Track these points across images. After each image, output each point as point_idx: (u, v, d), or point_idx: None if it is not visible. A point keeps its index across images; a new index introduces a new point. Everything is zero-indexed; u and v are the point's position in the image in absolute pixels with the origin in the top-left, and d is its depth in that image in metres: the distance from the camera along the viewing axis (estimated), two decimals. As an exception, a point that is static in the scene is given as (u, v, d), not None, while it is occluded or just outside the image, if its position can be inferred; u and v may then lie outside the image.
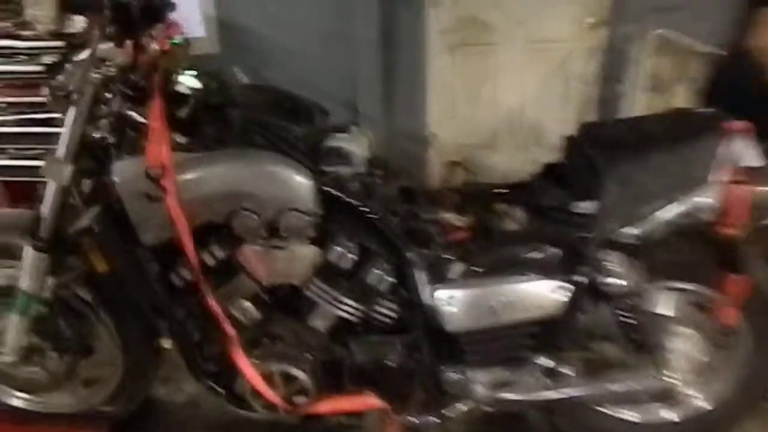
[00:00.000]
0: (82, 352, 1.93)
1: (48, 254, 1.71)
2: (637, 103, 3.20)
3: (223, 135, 1.59)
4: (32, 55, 3.01)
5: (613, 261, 1.60)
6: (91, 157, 1.67)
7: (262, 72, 3.37)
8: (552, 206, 1.63)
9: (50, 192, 1.66)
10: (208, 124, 1.59)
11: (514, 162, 3.48)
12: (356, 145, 1.68)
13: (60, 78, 1.57)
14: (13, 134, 2.99)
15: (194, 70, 1.69)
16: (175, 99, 1.60)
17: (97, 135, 1.64)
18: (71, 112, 1.58)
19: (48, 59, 2.57)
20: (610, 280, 1.60)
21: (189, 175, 1.56)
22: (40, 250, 1.70)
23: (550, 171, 1.77)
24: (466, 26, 3.33)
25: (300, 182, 1.58)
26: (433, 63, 3.38)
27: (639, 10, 3.12)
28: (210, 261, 1.67)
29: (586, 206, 1.58)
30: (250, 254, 1.67)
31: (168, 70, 1.61)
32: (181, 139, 1.59)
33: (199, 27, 3.42)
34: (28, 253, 1.71)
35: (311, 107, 1.74)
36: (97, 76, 1.54)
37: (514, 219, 1.70)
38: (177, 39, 1.64)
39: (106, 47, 1.52)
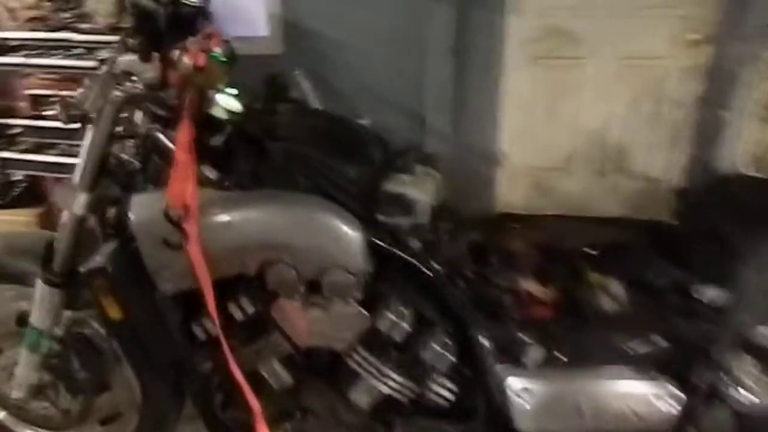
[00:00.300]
0: (96, 392, 1.67)
1: (61, 289, 1.45)
2: (743, 134, 2.72)
3: (262, 171, 1.28)
4: (90, 49, 2.81)
5: (746, 368, 1.20)
6: (117, 182, 1.40)
7: (326, 76, 3.09)
8: (664, 286, 1.24)
9: (65, 222, 1.39)
10: (244, 156, 1.29)
11: (592, 189, 3.07)
12: (421, 191, 1.33)
13: (78, 93, 1.29)
14: (66, 130, 2.78)
15: (235, 88, 1.38)
16: (209, 124, 1.30)
17: (123, 157, 1.37)
18: (88, 134, 1.30)
19: (105, 54, 2.36)
20: (740, 392, 1.20)
21: (217, 219, 1.26)
22: (52, 284, 1.45)
23: (655, 233, 1.38)
24: (549, 37, 2.93)
25: (348, 235, 1.25)
26: (511, 75, 3.00)
27: (754, 27, 2.64)
28: (238, 315, 1.37)
29: (712, 294, 1.19)
30: (286, 311, 1.36)
31: (203, 89, 1.30)
32: (211, 173, 1.29)
33: (262, 26, 3.16)
34: (39, 286, 1.46)
35: (370, 140, 1.40)
36: (119, 94, 1.25)
37: (610, 294, 1.33)
38: (217, 52, 1.33)
39: (131, 60, 1.23)
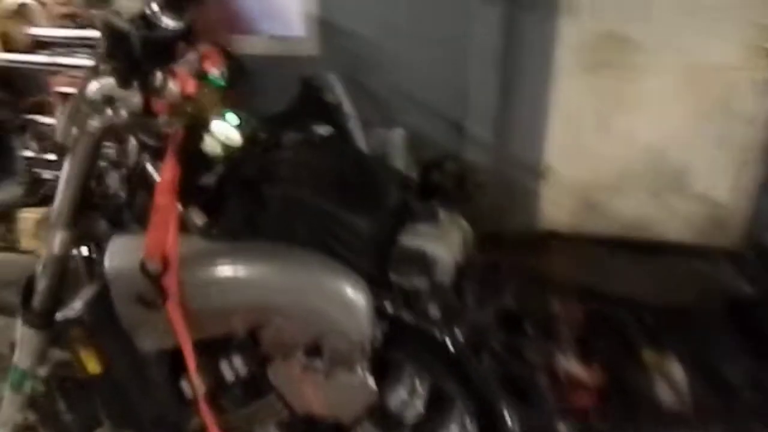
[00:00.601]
0: (85, 432, 1.51)
1: (41, 330, 1.29)
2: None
3: (256, 218, 1.08)
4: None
5: None
6: (105, 217, 1.22)
7: (362, 79, 2.88)
8: (737, 377, 0.98)
9: (44, 261, 1.22)
10: (237, 200, 1.08)
11: (647, 211, 2.77)
12: (443, 246, 1.10)
13: (60, 122, 1.11)
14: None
15: (237, 115, 1.17)
16: (200, 159, 1.10)
17: (111, 189, 1.19)
18: (65, 167, 1.12)
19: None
20: None
21: (200, 274, 1.06)
22: (32, 325, 1.28)
23: (734, 304, 1.11)
24: (605, 43, 2.64)
25: (351, 298, 1.03)
26: (560, 83, 2.73)
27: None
28: (230, 376, 1.18)
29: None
30: (283, 373, 1.16)
31: (196, 118, 1.10)
32: (198, 217, 1.09)
33: (298, 25, 2.97)
34: (19, 325, 1.30)
35: (387, 181, 1.18)
36: (96, 124, 1.06)
37: (668, 380, 1.07)
38: (213, 75, 1.13)
39: (108, 85, 1.04)
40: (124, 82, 1.01)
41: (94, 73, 1.02)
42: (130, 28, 0.95)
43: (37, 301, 1.26)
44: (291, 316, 1.05)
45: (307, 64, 2.96)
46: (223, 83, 1.15)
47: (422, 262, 1.09)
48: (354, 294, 1.04)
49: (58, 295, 1.26)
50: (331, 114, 2.72)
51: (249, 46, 3.02)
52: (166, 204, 1.03)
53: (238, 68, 1.21)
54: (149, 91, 1.03)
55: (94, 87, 1.03)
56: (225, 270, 1.05)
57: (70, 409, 1.45)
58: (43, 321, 1.27)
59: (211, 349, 1.15)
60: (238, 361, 1.16)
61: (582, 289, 1.98)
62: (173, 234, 1.03)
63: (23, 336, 1.30)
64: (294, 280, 1.04)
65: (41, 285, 1.24)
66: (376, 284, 1.06)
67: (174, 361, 1.21)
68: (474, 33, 2.71)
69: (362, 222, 1.06)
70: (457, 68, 2.80)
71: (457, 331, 1.09)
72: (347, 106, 2.70)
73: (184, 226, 1.06)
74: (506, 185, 2.90)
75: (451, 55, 2.75)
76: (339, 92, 2.71)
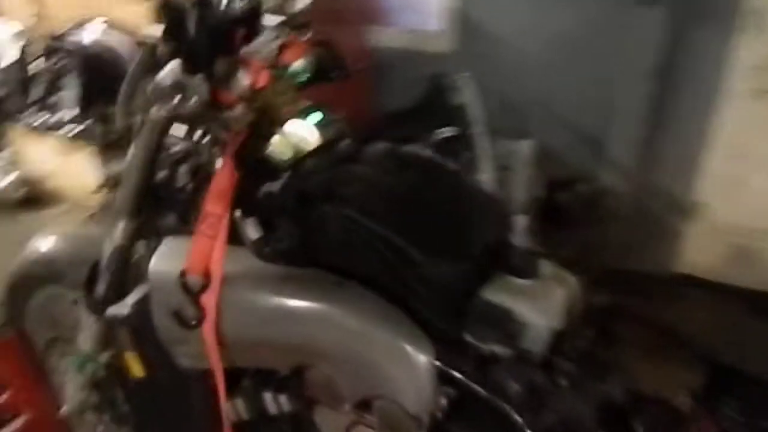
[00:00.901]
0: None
1: (101, 318, 1.22)
2: None
3: (314, 240, 0.90)
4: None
5: None
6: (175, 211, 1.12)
7: (495, 82, 2.63)
8: None
9: (107, 250, 1.14)
10: (295, 215, 0.91)
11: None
12: (539, 307, 0.86)
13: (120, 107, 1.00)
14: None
15: (320, 112, 1.00)
16: (265, 164, 0.94)
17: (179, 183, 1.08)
18: (129, 155, 1.02)
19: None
20: None
21: (244, 298, 0.90)
22: (93, 311, 1.21)
23: None
24: (789, 66, 2.17)
25: (414, 358, 0.83)
26: (726, 110, 2.30)
27: None
28: (273, 410, 1.02)
29: None
30: (330, 421, 0.99)
31: (266, 116, 0.94)
32: (254, 230, 0.93)
33: (435, 19, 2.77)
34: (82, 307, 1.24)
35: (485, 218, 0.95)
36: (160, 111, 0.94)
37: None
38: (296, 67, 0.96)
39: (171, 71, 0.90)
40: (188, 68, 0.88)
41: (150, 54, 0.89)
42: (189, 6, 0.80)
43: (98, 288, 1.19)
44: (338, 365, 0.87)
45: (439, 61, 2.76)
46: (306, 78, 0.99)
47: (507, 325, 0.85)
48: (416, 352, 0.83)
49: (120, 286, 1.17)
50: (455, 116, 2.52)
51: (381, 38, 2.87)
52: (216, 213, 0.89)
53: (334, 61, 1.03)
54: (214, 80, 0.88)
55: (164, 71, 0.90)
56: (270, 299, 0.89)
57: (127, 399, 1.39)
58: (103, 309, 1.20)
59: (254, 378, 1.00)
60: (283, 397, 1.01)
61: (710, 354, 1.63)
62: (220, 247, 0.88)
63: (85, 320, 1.25)
64: (345, 324, 0.85)
65: (104, 273, 1.17)
66: (446, 343, 0.85)
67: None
68: (630, 45, 2.36)
69: (439, 266, 0.85)
70: (605, 81, 2.46)
71: (540, 419, 0.85)
72: (474, 110, 2.46)
73: (234, 239, 0.91)
74: (643, 218, 2.52)
75: (600, 67, 2.42)
76: (468, 94, 2.49)
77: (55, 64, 2.95)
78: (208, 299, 0.88)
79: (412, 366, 0.83)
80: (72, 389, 1.40)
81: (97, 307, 1.19)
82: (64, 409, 1.43)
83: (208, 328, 0.89)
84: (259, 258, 0.91)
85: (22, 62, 3.12)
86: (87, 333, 1.26)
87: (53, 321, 1.50)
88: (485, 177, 2.32)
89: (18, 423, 1.58)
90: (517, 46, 2.61)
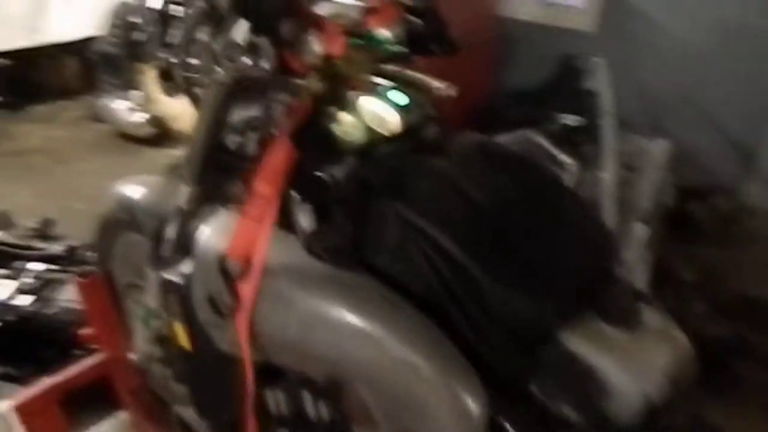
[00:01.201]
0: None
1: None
2: None
3: (368, 239, 0.76)
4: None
5: None
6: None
7: (634, 70, 2.35)
8: None
9: (173, 210, 1.08)
10: (352, 208, 0.77)
11: None
12: (629, 367, 0.67)
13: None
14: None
15: (406, 95, 0.84)
16: (329, 143, 0.81)
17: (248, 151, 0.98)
18: (196, 118, 0.93)
19: None
20: None
21: (284, 293, 0.79)
22: (155, 269, 1.17)
23: None
24: None
25: (462, 403, 0.68)
26: None
27: None
28: (312, 416, 0.92)
29: None
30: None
31: (336, 88, 0.81)
32: (307, 221, 0.80)
33: (580, -5, 2.49)
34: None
35: (582, 246, 0.76)
36: (225, 74, 0.83)
37: None
38: (381, 36, 0.81)
39: (239, 32, 0.79)
40: (253, 29, 0.76)
41: (206, 14, 0.78)
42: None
43: (164, 247, 1.13)
44: (375, 390, 0.73)
45: (577, 41, 2.49)
46: (393, 48, 0.83)
47: (587, 384, 0.67)
48: (467, 397, 0.68)
49: (182, 250, 1.11)
50: (584, 103, 2.28)
51: (516, 9, 2.63)
52: (266, 194, 0.78)
53: (435, 33, 0.87)
54: (281, 43, 0.76)
55: (232, 32, 0.79)
56: (311, 300, 0.76)
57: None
58: (164, 270, 1.15)
59: (298, 375, 0.90)
60: (322, 405, 0.89)
61: None
62: (265, 233, 0.77)
63: (150, 277, 1.21)
64: (389, 348, 0.71)
65: (168, 233, 1.11)
66: (505, 393, 0.68)
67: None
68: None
69: (509, 298, 0.68)
70: (760, 82, 2.10)
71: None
72: (606, 99, 2.20)
73: (283, 225, 0.80)
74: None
75: (756, 65, 2.05)
76: (601, 80, 2.22)
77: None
78: (246, 288, 0.78)
79: (460, 412, 0.68)
80: (140, 340, 1.40)
81: (159, 266, 1.15)
82: (133, 357, 1.44)
83: (241, 319, 0.79)
84: (307, 251, 0.79)
85: (164, 4, 3.22)
86: (151, 290, 1.23)
87: (133, 267, 1.50)
88: (606, 176, 2.08)
89: (96, 358, 1.61)
90: (669, 31, 2.30)
